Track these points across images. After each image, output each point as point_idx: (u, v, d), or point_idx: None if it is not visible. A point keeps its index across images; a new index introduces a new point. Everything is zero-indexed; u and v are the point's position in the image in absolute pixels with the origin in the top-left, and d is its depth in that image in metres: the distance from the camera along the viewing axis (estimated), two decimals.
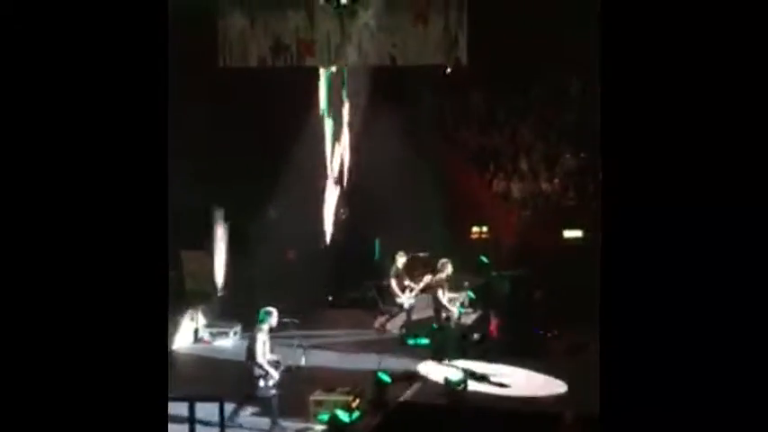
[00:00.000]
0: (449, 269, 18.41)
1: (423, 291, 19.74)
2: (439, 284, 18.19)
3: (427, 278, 19.50)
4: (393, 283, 19.78)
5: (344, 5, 19.99)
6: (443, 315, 18.11)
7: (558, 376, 16.62)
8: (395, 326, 20.16)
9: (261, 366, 14.02)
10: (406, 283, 19.87)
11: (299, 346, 14.34)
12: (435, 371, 16.96)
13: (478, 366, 17.19)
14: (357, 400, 14.58)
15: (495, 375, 16.76)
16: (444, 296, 18.11)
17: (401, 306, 19.80)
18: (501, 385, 16.33)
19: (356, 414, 14.37)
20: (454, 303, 18.13)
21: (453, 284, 18.95)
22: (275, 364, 14.17)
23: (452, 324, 18.38)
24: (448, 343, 18.14)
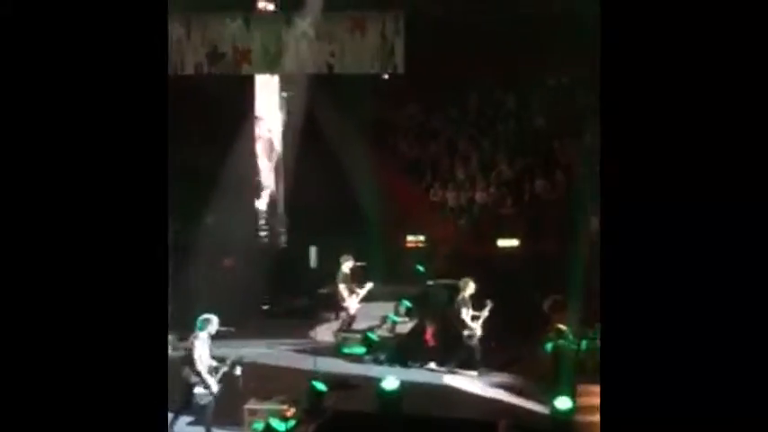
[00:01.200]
0: (471, 287, 18.06)
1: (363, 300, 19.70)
2: (464, 304, 17.91)
3: (369, 285, 19.48)
4: (340, 287, 19.63)
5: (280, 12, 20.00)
6: (466, 334, 17.93)
7: (492, 386, 16.75)
8: (328, 333, 20.10)
9: (198, 374, 13.92)
10: (353, 288, 19.71)
11: (234, 363, 14.24)
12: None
13: (416, 375, 17.28)
14: (292, 410, 14.53)
15: (429, 384, 16.85)
16: (468, 314, 17.87)
17: (347, 311, 19.69)
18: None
19: (291, 423, 14.32)
20: (476, 320, 17.90)
21: (386, 295, 18.96)
22: (213, 371, 14.08)
23: (391, 334, 18.43)
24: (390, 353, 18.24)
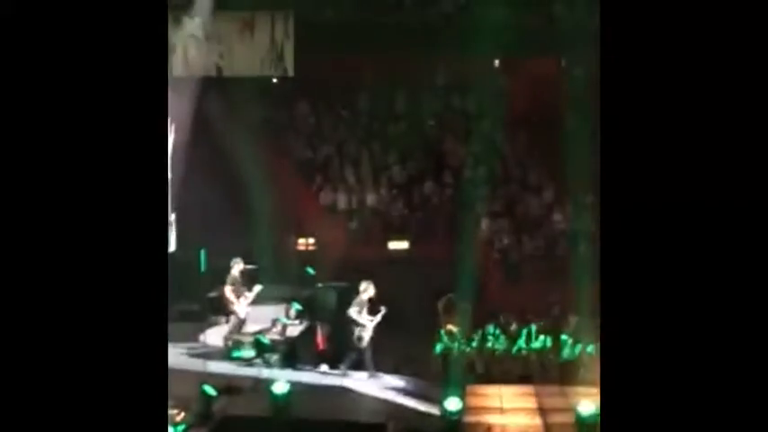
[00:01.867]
0: (370, 291, 18.20)
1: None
2: (360, 305, 17.91)
3: (257, 288, 19.38)
4: (228, 290, 19.48)
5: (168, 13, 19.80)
6: (357, 334, 17.93)
7: (383, 388, 16.83)
8: (219, 337, 19.96)
9: None
10: (242, 291, 19.58)
11: None
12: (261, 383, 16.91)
13: (307, 377, 17.27)
14: (182, 414, 14.40)
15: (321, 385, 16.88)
16: (363, 317, 17.88)
17: (236, 314, 19.55)
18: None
19: (181, 427, 14.19)
20: (370, 323, 17.94)
21: (275, 297, 18.88)
22: None
23: (282, 337, 18.38)
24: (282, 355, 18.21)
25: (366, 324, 17.75)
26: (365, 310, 17.93)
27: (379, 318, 17.79)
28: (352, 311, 17.85)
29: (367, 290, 18.06)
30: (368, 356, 17.78)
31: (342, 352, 18.15)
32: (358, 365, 17.78)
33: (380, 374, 17.53)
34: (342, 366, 17.84)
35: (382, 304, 17.92)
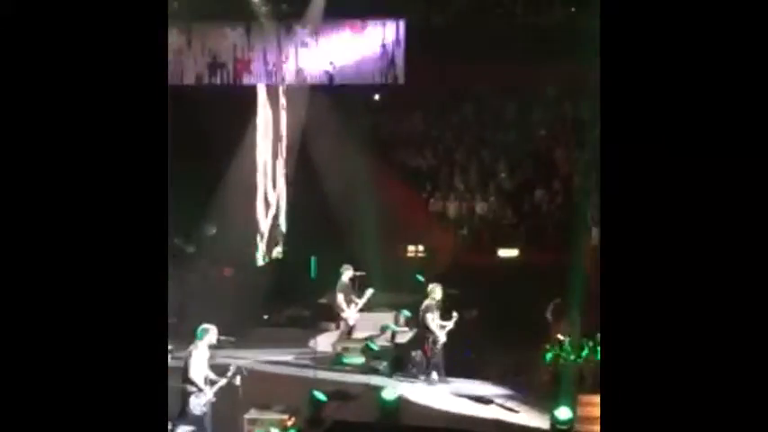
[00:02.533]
0: (438, 293, 18.23)
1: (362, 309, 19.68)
2: (428, 309, 17.99)
3: (369, 292, 19.46)
4: (339, 297, 19.58)
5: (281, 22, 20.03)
6: (431, 339, 17.99)
7: (492, 396, 16.76)
8: (328, 343, 20.09)
9: (193, 383, 13.90)
10: (352, 298, 19.68)
11: (234, 373, 14.25)
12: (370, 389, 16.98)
13: (410, 385, 17.29)
14: (292, 419, 14.53)
15: (428, 394, 16.86)
16: (434, 321, 17.94)
17: (346, 321, 19.66)
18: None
19: None
20: (443, 328, 17.97)
21: (386, 303, 18.94)
22: (211, 382, 14.07)
23: (391, 344, 18.42)
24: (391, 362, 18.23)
25: (435, 330, 17.74)
26: (437, 316, 17.93)
27: (451, 324, 17.80)
28: (428, 317, 17.86)
29: (434, 293, 18.10)
30: (438, 362, 17.73)
31: (450, 359, 18.12)
32: (428, 371, 17.76)
33: (489, 382, 17.44)
34: (414, 371, 17.86)
35: (491, 313, 17.85)
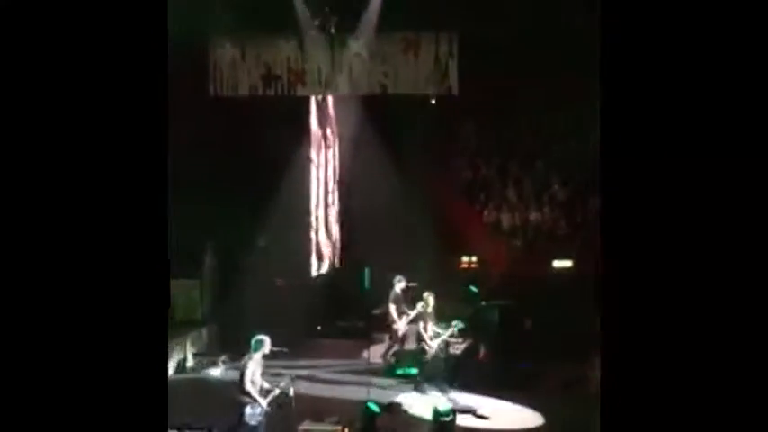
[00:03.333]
0: (431, 302, 18.33)
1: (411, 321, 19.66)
2: (421, 318, 18.07)
3: (420, 306, 19.46)
4: (392, 308, 19.59)
5: (333, 33, 20.10)
6: (425, 349, 17.99)
7: (540, 411, 16.63)
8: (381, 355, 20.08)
9: (248, 394, 13.95)
10: (404, 309, 19.68)
11: (291, 378, 14.29)
12: (421, 401, 16.92)
13: (462, 398, 17.19)
14: (345, 430, 14.51)
15: (479, 407, 16.75)
16: (427, 331, 17.97)
17: (396, 333, 19.66)
18: (483, 417, 16.33)
19: None
20: (436, 337, 17.96)
21: (440, 315, 18.90)
22: (265, 393, 14.09)
23: (442, 354, 18.34)
24: (438, 373, 18.09)
25: (427, 340, 17.70)
26: (430, 325, 17.91)
27: (447, 334, 17.83)
28: (419, 327, 17.91)
29: (428, 302, 18.14)
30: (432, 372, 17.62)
31: (507, 370, 18.04)
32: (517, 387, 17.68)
33: (540, 394, 17.33)
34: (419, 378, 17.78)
35: (545, 324, 17.74)
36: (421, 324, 17.97)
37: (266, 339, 14.27)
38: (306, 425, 14.57)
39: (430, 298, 18.25)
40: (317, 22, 20.37)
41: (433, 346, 17.85)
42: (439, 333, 17.91)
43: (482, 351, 18.93)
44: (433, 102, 23.06)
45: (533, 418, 16.40)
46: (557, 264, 23.40)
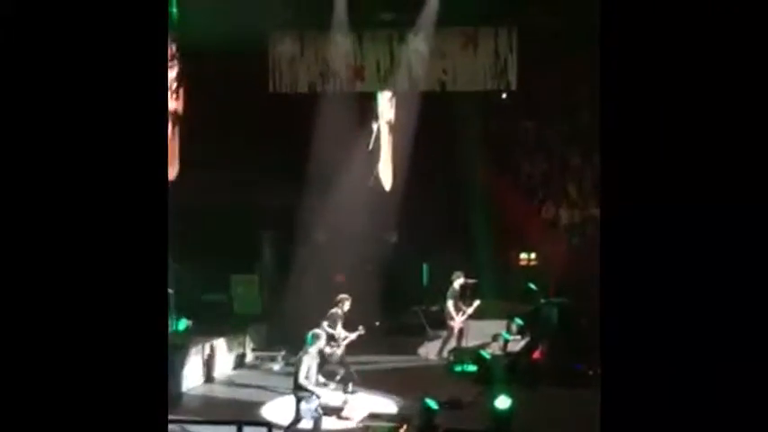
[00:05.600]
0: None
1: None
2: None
3: (476, 303, 19.45)
4: (450, 304, 19.59)
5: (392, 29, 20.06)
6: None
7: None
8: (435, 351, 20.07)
9: (304, 388, 13.99)
10: (461, 306, 19.68)
11: (345, 379, 14.37)
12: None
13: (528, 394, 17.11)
14: (404, 427, 14.52)
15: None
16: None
17: (452, 329, 19.66)
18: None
19: None
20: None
21: (498, 312, 18.93)
22: (323, 386, 14.16)
23: (500, 351, 18.34)
24: (495, 371, 18.06)
25: (340, 341, 17.44)
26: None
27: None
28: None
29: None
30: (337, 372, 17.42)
31: (563, 369, 17.93)
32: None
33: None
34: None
35: (591, 318, 17.61)
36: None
37: (322, 334, 14.34)
38: (364, 421, 14.60)
39: (347, 302, 18.07)
40: (376, 18, 20.35)
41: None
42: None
43: (539, 349, 18.80)
44: (504, 96, 22.94)
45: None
46: None
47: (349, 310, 17.83)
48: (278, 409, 15.29)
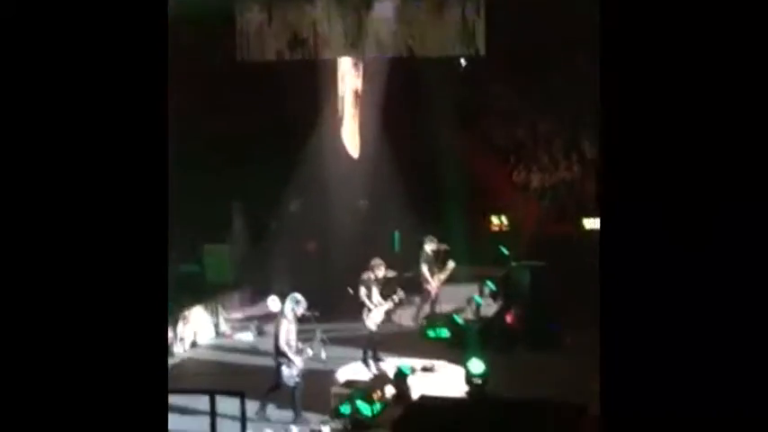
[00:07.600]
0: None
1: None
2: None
3: (451, 265, 19.50)
4: (424, 268, 19.64)
5: None
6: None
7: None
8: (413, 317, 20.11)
9: (284, 354, 14.00)
10: (435, 270, 19.73)
11: (322, 340, 14.38)
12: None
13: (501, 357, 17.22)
14: (378, 392, 14.59)
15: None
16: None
17: (430, 294, 19.72)
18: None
19: (378, 406, 14.38)
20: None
21: (471, 277, 19.00)
22: (300, 352, 14.16)
23: (473, 316, 18.42)
24: (468, 336, 18.13)
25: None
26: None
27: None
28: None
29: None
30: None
31: (537, 332, 18.03)
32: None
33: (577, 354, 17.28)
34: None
35: (574, 285, 17.70)
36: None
37: (302, 300, 14.33)
38: (338, 387, 14.65)
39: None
40: None
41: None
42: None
43: (511, 313, 18.87)
44: (463, 62, 22.91)
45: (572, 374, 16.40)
46: (587, 223, 23.31)
47: (382, 276, 18.00)
48: (255, 378, 15.29)
